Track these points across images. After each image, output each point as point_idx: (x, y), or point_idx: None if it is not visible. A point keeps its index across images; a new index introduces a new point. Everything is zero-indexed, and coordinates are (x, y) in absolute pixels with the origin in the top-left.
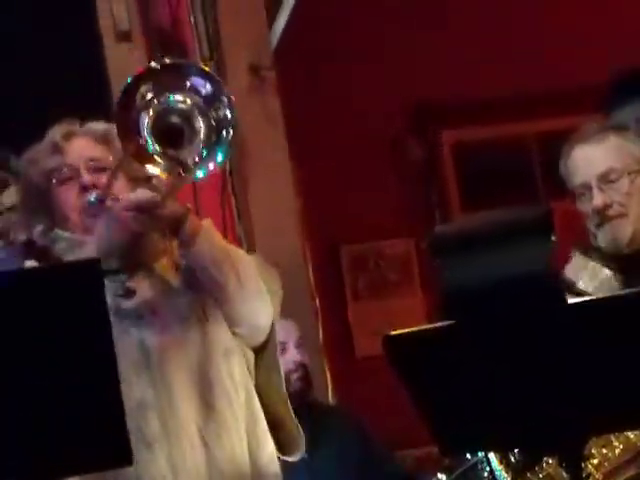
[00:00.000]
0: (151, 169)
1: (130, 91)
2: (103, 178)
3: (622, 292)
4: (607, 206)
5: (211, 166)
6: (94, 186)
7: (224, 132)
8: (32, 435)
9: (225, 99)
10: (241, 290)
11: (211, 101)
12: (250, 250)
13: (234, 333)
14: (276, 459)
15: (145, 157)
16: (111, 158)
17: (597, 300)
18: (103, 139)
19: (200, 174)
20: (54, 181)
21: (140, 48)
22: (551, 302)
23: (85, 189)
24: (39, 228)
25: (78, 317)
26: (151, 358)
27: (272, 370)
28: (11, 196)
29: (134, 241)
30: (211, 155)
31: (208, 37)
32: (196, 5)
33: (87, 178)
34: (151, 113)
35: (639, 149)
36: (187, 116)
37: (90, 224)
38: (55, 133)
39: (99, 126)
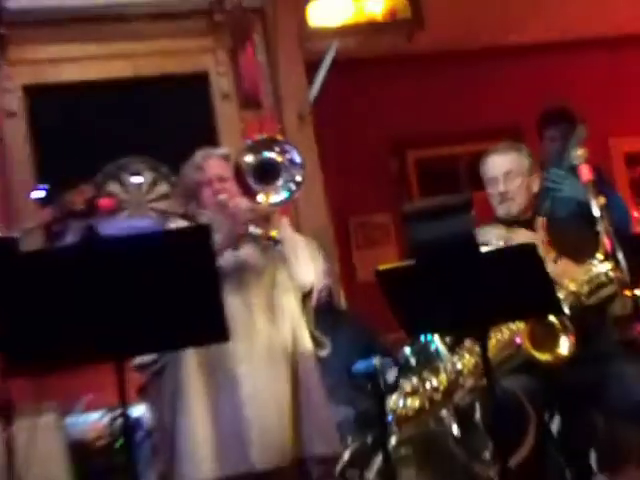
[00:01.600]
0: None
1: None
2: (227, 184)
3: (514, 244)
4: (506, 192)
5: (278, 200)
6: (218, 191)
7: (293, 186)
8: (160, 318)
9: (300, 177)
10: (297, 262)
11: (294, 166)
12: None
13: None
14: (312, 347)
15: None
16: (229, 171)
17: (500, 249)
18: (225, 157)
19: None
20: (198, 185)
21: (236, 104)
22: (470, 252)
23: (216, 192)
24: (193, 206)
25: (196, 256)
26: (242, 286)
27: (309, 306)
28: (162, 190)
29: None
30: (280, 194)
31: (274, 94)
32: (266, 74)
33: (217, 186)
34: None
35: (528, 162)
36: (276, 166)
37: (216, 211)
38: (199, 156)
39: (223, 150)
